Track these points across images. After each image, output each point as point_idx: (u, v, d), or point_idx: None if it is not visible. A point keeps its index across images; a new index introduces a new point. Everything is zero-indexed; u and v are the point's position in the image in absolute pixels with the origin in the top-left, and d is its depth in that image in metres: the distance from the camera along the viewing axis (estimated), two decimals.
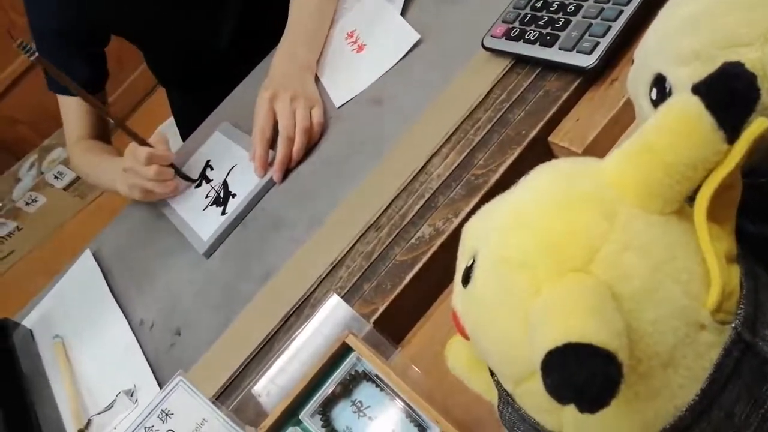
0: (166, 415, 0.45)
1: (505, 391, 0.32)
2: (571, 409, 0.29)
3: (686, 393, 0.27)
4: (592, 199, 0.28)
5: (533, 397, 0.30)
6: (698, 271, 0.27)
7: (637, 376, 0.27)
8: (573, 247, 0.27)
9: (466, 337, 0.32)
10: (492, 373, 0.34)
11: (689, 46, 0.31)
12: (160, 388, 0.60)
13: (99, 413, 0.68)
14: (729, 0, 0.31)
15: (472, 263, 0.30)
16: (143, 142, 0.82)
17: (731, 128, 0.25)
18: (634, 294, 0.26)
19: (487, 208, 0.32)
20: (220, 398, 0.58)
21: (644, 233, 0.27)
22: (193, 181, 0.85)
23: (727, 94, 0.26)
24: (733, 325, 0.27)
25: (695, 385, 0.27)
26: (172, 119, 1.33)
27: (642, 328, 0.26)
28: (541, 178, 0.30)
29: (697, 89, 0.26)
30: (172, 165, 0.83)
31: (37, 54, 0.71)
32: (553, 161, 0.32)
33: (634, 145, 0.28)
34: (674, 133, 0.26)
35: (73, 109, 1.01)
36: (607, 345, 0.22)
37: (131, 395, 0.68)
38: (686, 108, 0.26)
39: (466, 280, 0.31)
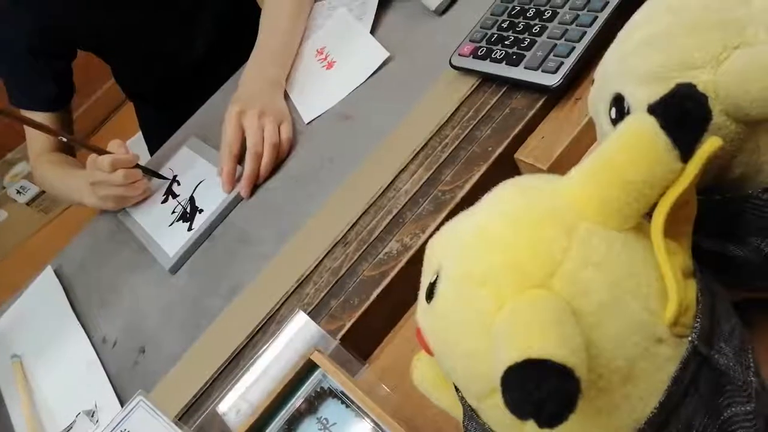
0: None
1: (470, 406, 0.32)
2: (532, 425, 0.29)
3: (645, 406, 0.27)
4: (553, 216, 0.28)
5: (496, 412, 0.30)
6: (656, 286, 0.27)
7: (597, 390, 0.27)
8: (534, 264, 0.27)
9: (431, 353, 0.32)
10: (457, 389, 0.34)
11: (645, 67, 0.32)
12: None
13: None
14: (683, 23, 0.32)
15: (436, 279, 0.30)
16: (102, 152, 0.81)
17: (685, 147, 0.26)
18: (593, 309, 0.26)
19: (451, 224, 0.32)
20: (183, 417, 0.56)
21: (603, 249, 0.27)
22: (163, 177, 0.85)
23: (680, 114, 0.27)
24: (689, 338, 0.28)
25: (654, 398, 0.27)
26: (140, 134, 1.31)
27: (602, 343, 0.26)
28: (503, 195, 0.31)
29: (653, 109, 0.27)
30: (137, 166, 0.82)
31: None
32: (516, 178, 0.32)
33: (593, 162, 0.28)
34: (631, 152, 0.27)
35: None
36: (566, 361, 0.23)
37: (92, 415, 0.66)
38: (642, 127, 0.27)
39: (430, 296, 0.31)
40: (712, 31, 0.31)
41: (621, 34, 0.36)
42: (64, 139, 0.86)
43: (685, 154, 0.26)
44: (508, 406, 0.23)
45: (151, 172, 0.85)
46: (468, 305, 0.28)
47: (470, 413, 0.33)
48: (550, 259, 0.27)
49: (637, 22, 0.35)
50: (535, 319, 0.25)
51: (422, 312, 0.32)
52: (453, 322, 0.29)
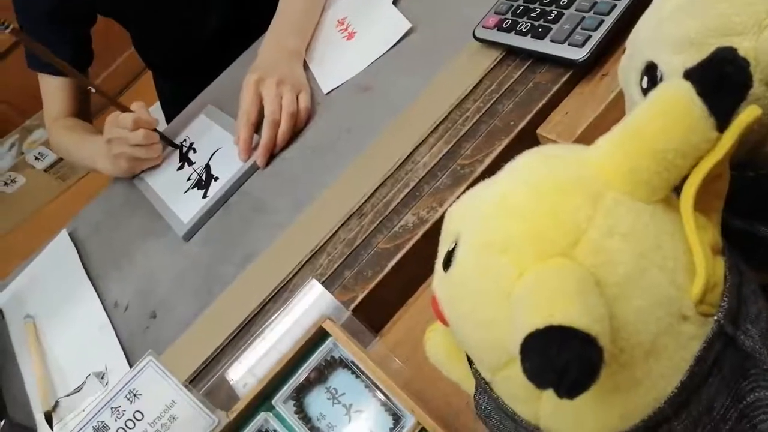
0: (134, 395, 0.44)
1: (483, 379, 0.32)
2: (548, 399, 0.28)
3: (666, 384, 0.27)
4: (578, 185, 0.27)
5: (511, 385, 0.30)
6: (683, 260, 0.26)
7: (618, 365, 0.26)
8: (557, 232, 0.26)
9: (446, 323, 0.31)
10: (470, 362, 0.33)
11: (682, 33, 0.31)
12: None
13: (67, 395, 0.66)
14: None
15: (454, 247, 0.30)
16: (125, 110, 0.81)
17: (722, 115, 0.25)
18: (618, 281, 0.25)
19: (471, 193, 0.31)
20: (192, 382, 0.56)
21: (630, 220, 0.26)
22: (177, 146, 0.85)
23: (719, 79, 0.25)
24: (715, 317, 0.27)
25: (676, 376, 0.26)
26: (158, 103, 1.31)
27: (625, 315, 0.25)
28: (527, 163, 0.30)
29: (689, 74, 0.25)
30: (155, 131, 0.82)
31: (12, 26, 0.68)
32: (539, 147, 0.31)
33: (623, 130, 0.27)
34: (664, 119, 0.25)
35: (53, 87, 0.99)
36: (589, 329, 0.22)
37: (102, 378, 0.66)
38: (677, 93, 0.25)
39: (447, 264, 0.30)
40: None
41: (656, 1, 0.34)
42: (93, 90, 0.86)
43: (722, 123, 0.25)
44: (527, 374, 0.22)
45: (165, 139, 0.84)
46: (487, 273, 0.27)
47: (483, 386, 0.32)
48: (573, 227, 0.26)
49: None
50: (557, 286, 0.24)
51: (439, 280, 0.31)
52: (471, 290, 0.28)
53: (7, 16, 0.72)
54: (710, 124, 0.25)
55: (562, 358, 0.21)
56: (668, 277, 0.26)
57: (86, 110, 1.04)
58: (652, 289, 0.26)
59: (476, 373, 0.33)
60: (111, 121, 0.82)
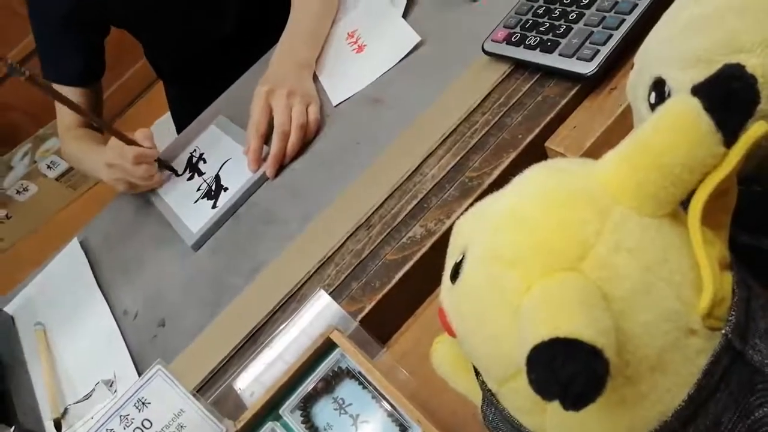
0: (143, 404, 0.44)
1: (490, 391, 0.32)
2: (554, 411, 0.28)
3: (673, 398, 0.27)
4: (585, 199, 0.27)
5: (517, 397, 0.30)
6: (690, 275, 0.26)
7: (624, 378, 0.26)
8: (565, 246, 0.26)
9: (453, 335, 0.32)
10: (477, 374, 0.33)
11: (691, 49, 0.31)
12: None
13: (76, 402, 0.67)
14: (732, 5, 0.31)
15: (461, 259, 0.30)
16: (130, 141, 0.82)
17: (729, 131, 0.25)
18: (624, 295, 0.26)
19: (479, 206, 0.32)
20: (200, 390, 0.57)
21: (637, 234, 0.26)
22: (178, 174, 0.85)
23: (726, 95, 0.25)
24: (723, 331, 0.27)
25: (683, 390, 0.26)
26: (169, 114, 1.32)
27: (631, 329, 0.25)
28: (535, 176, 0.30)
29: (697, 90, 0.26)
30: (157, 159, 0.83)
31: (28, 73, 0.70)
32: (548, 161, 0.31)
33: (630, 144, 0.27)
34: (671, 134, 0.25)
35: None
36: (595, 341, 0.22)
37: (110, 385, 0.67)
38: (685, 108, 0.25)
39: (455, 276, 0.30)
40: (764, 14, 0.30)
41: (665, 16, 0.35)
42: (93, 123, 0.87)
43: (729, 139, 0.25)
44: (533, 386, 0.22)
45: (167, 166, 0.85)
46: (495, 286, 0.28)
47: (490, 398, 0.32)
48: (581, 241, 0.26)
49: (684, 3, 0.33)
50: (564, 299, 0.24)
51: (446, 292, 0.31)
52: (478, 302, 0.28)
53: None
54: (717, 140, 0.25)
55: (568, 370, 0.21)
56: (675, 292, 0.26)
57: (100, 108, 1.05)
58: (658, 304, 0.26)
59: (483, 385, 0.33)
60: (113, 148, 0.83)
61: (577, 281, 0.25)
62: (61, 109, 1.02)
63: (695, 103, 0.25)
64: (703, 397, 0.27)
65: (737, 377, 0.28)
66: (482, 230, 0.30)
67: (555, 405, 0.28)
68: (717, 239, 0.28)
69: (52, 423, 0.66)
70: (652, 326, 0.26)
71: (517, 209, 0.28)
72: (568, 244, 0.26)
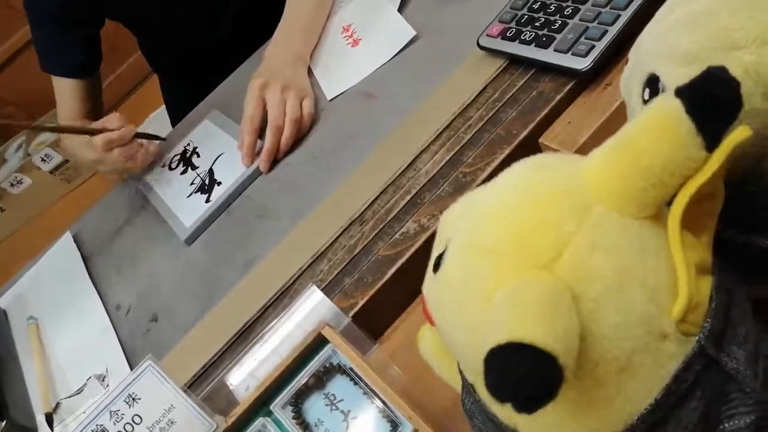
0: (133, 399, 0.44)
1: (467, 380, 0.32)
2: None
3: (640, 401, 0.26)
4: (567, 196, 0.27)
5: None
6: (667, 279, 0.26)
7: (592, 379, 0.26)
8: (540, 242, 0.26)
9: (433, 324, 0.32)
10: (458, 362, 0.34)
11: (683, 45, 0.31)
12: None
13: (68, 397, 0.67)
14: (726, 2, 0.30)
15: (444, 251, 0.30)
16: (95, 132, 0.81)
17: (711, 135, 0.24)
18: (596, 296, 0.25)
19: (465, 198, 0.32)
20: (192, 386, 0.57)
21: (614, 235, 0.26)
22: (162, 138, 0.86)
23: (708, 99, 0.25)
24: (697, 338, 0.27)
25: (651, 393, 0.26)
26: (164, 107, 1.32)
27: (601, 331, 0.25)
28: (520, 171, 0.30)
29: (680, 92, 0.25)
30: (136, 134, 0.82)
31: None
32: (538, 155, 0.31)
33: (614, 144, 0.27)
34: (652, 135, 0.25)
35: (67, 90, 1.00)
36: (550, 347, 0.22)
37: (102, 380, 0.67)
38: (666, 110, 0.25)
39: (437, 266, 0.30)
40: (757, 10, 0.29)
41: (660, 12, 0.34)
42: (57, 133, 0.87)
43: (710, 143, 0.24)
44: (486, 387, 0.23)
45: (146, 136, 0.85)
46: (469, 275, 0.28)
47: (468, 387, 0.33)
48: (556, 240, 0.26)
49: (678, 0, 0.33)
50: (527, 302, 0.24)
51: (428, 282, 0.32)
52: (454, 292, 0.29)
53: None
54: (698, 144, 0.24)
55: (517, 374, 0.22)
56: (648, 295, 0.26)
57: (99, 110, 1.04)
58: (630, 306, 0.26)
59: (462, 374, 0.34)
60: (86, 144, 0.82)
61: (546, 282, 0.25)
62: (60, 101, 1.01)
63: (677, 105, 0.25)
64: (671, 403, 0.27)
65: (710, 385, 0.27)
66: (464, 222, 0.30)
67: None
68: (698, 243, 0.28)
69: (44, 417, 0.66)
70: (623, 329, 0.26)
71: (497, 203, 0.29)
72: (544, 242, 0.26)
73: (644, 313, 0.26)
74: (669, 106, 0.25)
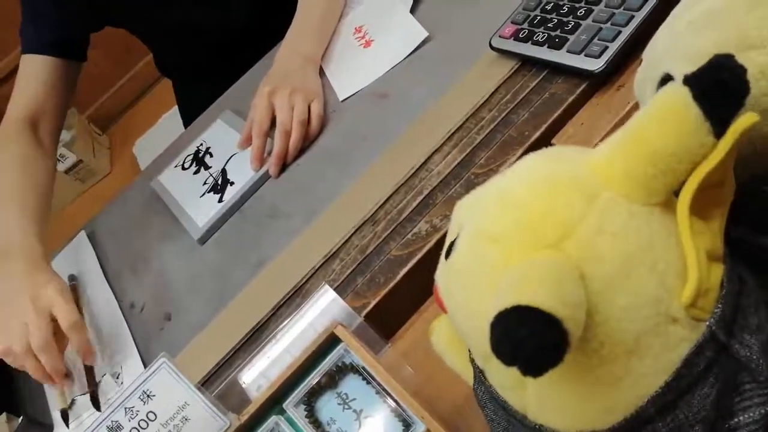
0: (148, 396, 0.44)
1: (478, 368, 0.33)
2: (533, 388, 0.29)
3: (650, 384, 0.27)
4: (575, 183, 0.28)
5: (500, 373, 0.31)
6: (676, 264, 0.27)
7: (598, 359, 0.26)
8: (548, 227, 0.27)
9: (445, 311, 0.32)
10: (470, 351, 0.34)
11: (699, 45, 0.31)
12: None
13: (83, 393, 0.67)
14: (742, 1, 0.30)
15: (456, 238, 0.30)
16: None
17: (718, 120, 0.25)
18: (604, 276, 0.26)
19: (479, 188, 0.32)
20: (205, 384, 0.57)
21: (622, 220, 0.27)
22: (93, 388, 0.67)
23: (715, 85, 0.25)
24: (707, 323, 0.27)
25: (660, 377, 0.27)
26: (176, 108, 1.33)
27: (609, 311, 0.26)
28: (531, 161, 0.31)
29: (687, 79, 0.26)
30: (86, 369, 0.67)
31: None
32: (548, 148, 0.32)
33: (622, 132, 0.28)
34: (661, 122, 0.26)
35: (32, 72, 0.87)
36: (554, 311, 0.23)
37: (117, 377, 0.67)
38: (674, 97, 0.25)
39: (449, 253, 0.31)
40: None
41: (674, 13, 0.34)
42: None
43: (718, 129, 0.25)
44: (492, 350, 0.23)
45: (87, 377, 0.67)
46: (479, 262, 0.28)
47: (479, 375, 0.33)
48: (565, 222, 0.27)
49: (692, 0, 0.33)
50: (535, 273, 0.25)
51: (440, 270, 0.32)
52: (465, 278, 0.29)
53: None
54: (706, 130, 0.25)
55: (521, 334, 0.22)
56: (657, 279, 0.26)
57: (63, 106, 0.92)
58: (638, 289, 0.26)
59: (473, 363, 0.34)
60: (45, 294, 0.65)
61: (553, 258, 0.26)
62: (19, 85, 0.88)
63: (684, 92, 0.25)
64: (682, 387, 0.27)
65: (723, 373, 0.28)
66: (476, 210, 0.30)
67: (534, 382, 0.28)
68: (708, 230, 0.28)
69: (59, 413, 0.66)
70: (631, 310, 0.26)
71: (507, 190, 0.29)
72: (552, 225, 0.27)
73: (653, 296, 0.26)
74: (677, 94, 0.25)
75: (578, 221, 0.26)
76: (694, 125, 0.25)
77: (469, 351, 0.34)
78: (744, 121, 0.25)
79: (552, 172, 0.29)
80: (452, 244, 0.31)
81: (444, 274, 0.31)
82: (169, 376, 0.44)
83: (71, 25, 0.91)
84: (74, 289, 0.80)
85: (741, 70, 0.25)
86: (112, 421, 0.44)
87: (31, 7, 0.91)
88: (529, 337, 0.22)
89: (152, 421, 0.44)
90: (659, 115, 0.26)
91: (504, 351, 0.23)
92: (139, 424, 0.44)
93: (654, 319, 0.26)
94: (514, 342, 0.22)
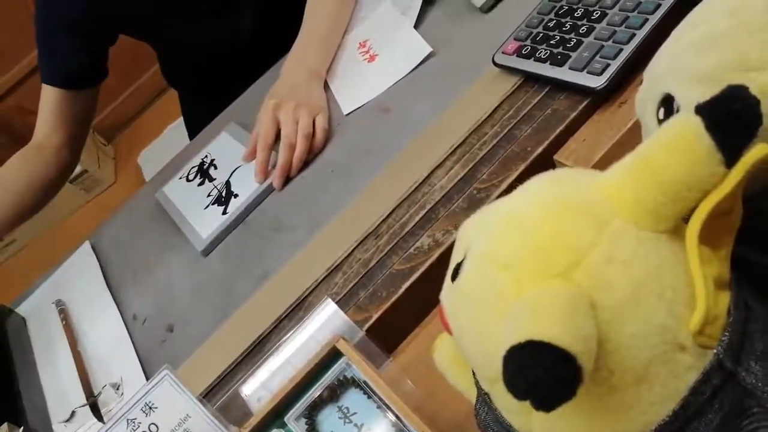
0: (150, 408, 0.44)
1: (483, 390, 0.33)
2: (539, 414, 0.29)
3: (657, 412, 0.27)
4: (585, 209, 0.28)
5: (506, 397, 0.30)
6: (684, 292, 0.27)
7: (608, 387, 0.27)
8: (558, 253, 0.27)
9: (450, 333, 0.32)
10: (474, 372, 0.34)
11: (699, 66, 0.31)
12: None
13: (83, 405, 0.67)
14: (743, 23, 0.31)
15: (463, 260, 0.30)
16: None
17: (730, 151, 0.25)
18: (613, 305, 0.26)
19: (485, 208, 0.32)
20: (206, 396, 0.57)
21: (632, 247, 0.27)
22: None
23: (728, 116, 0.26)
24: (715, 351, 0.27)
25: (668, 405, 0.27)
26: (181, 119, 1.34)
27: (618, 340, 0.26)
28: (539, 184, 0.31)
29: (700, 109, 0.26)
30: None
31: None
32: (555, 170, 0.32)
33: (633, 159, 0.28)
34: (672, 151, 0.26)
35: (49, 100, 0.93)
36: (569, 347, 0.23)
37: (117, 388, 0.67)
38: (687, 126, 0.26)
39: (455, 275, 0.31)
40: None
41: (675, 33, 0.35)
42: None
43: (729, 159, 0.25)
44: (505, 383, 0.23)
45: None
46: (488, 286, 0.28)
47: (483, 397, 0.33)
48: (575, 250, 0.27)
49: (694, 21, 0.33)
50: (548, 305, 0.25)
51: (446, 291, 0.32)
52: (472, 302, 0.29)
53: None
54: (717, 160, 0.25)
55: (536, 372, 0.22)
56: (666, 307, 0.26)
57: (80, 133, 0.99)
58: (647, 317, 0.26)
59: (477, 384, 0.34)
60: None
61: (565, 289, 0.26)
62: (40, 111, 0.94)
63: (697, 122, 0.25)
64: (689, 415, 0.27)
65: (729, 400, 0.28)
66: (483, 232, 0.30)
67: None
68: (716, 258, 0.28)
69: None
70: (640, 338, 0.26)
71: (516, 214, 0.29)
72: (562, 252, 0.27)
73: (661, 324, 0.26)
74: (689, 123, 0.25)
75: (588, 248, 0.26)
76: (705, 155, 0.25)
77: (473, 372, 0.34)
78: (756, 152, 0.25)
79: (561, 195, 0.29)
80: (459, 265, 0.31)
81: (450, 296, 0.31)
82: (171, 388, 0.44)
83: (83, 52, 0.94)
84: (63, 312, 0.80)
85: (754, 101, 0.25)
86: None
87: (43, 40, 0.94)
88: (544, 375, 0.22)
89: None
90: (671, 144, 0.26)
91: (518, 388, 0.23)
92: None
93: (662, 347, 0.26)
94: (528, 379, 0.22)
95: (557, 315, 0.24)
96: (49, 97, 0.94)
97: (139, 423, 0.44)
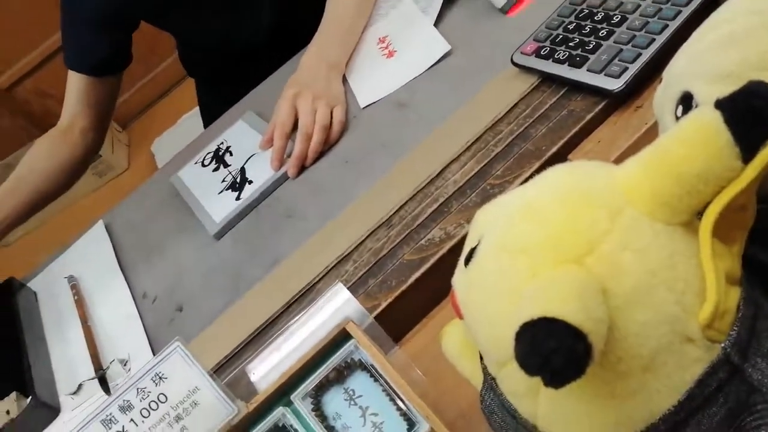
0: (160, 378, 0.45)
1: (490, 375, 0.33)
2: (545, 397, 0.30)
3: (662, 401, 0.27)
4: (600, 199, 0.28)
5: (513, 381, 0.31)
6: (696, 285, 0.27)
7: (615, 373, 0.27)
8: (573, 241, 0.27)
9: (461, 317, 0.33)
10: (481, 358, 0.35)
11: (721, 64, 0.32)
12: None
13: (91, 378, 0.68)
14: (764, 22, 0.31)
15: (477, 245, 0.31)
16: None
17: (748, 146, 0.25)
18: (624, 292, 0.26)
19: (500, 197, 0.33)
20: (215, 373, 0.58)
21: (646, 238, 0.27)
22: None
23: (747, 111, 0.26)
24: (722, 345, 0.27)
25: (673, 395, 0.27)
26: (197, 109, 1.35)
27: (628, 327, 0.26)
28: (555, 173, 0.31)
29: (719, 104, 0.26)
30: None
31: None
32: (571, 162, 0.32)
33: (650, 151, 0.28)
34: (689, 144, 0.26)
35: (75, 86, 0.96)
36: (580, 325, 0.23)
37: (125, 364, 0.68)
38: (705, 120, 0.26)
39: (469, 260, 0.31)
40: None
41: (696, 33, 0.35)
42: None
43: (747, 155, 0.25)
44: (517, 358, 0.24)
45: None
46: (502, 272, 0.29)
47: (490, 383, 0.34)
48: (589, 238, 0.27)
49: (716, 21, 0.34)
50: (560, 286, 0.25)
51: (458, 275, 0.33)
52: (486, 286, 0.30)
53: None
54: (735, 154, 0.25)
55: (548, 346, 0.23)
56: (676, 298, 0.27)
57: (105, 117, 1.02)
58: (657, 306, 0.26)
59: (485, 369, 0.35)
60: None
61: (578, 273, 0.26)
62: (66, 97, 0.97)
63: (716, 116, 0.26)
64: (694, 407, 0.27)
65: (735, 394, 0.28)
66: (499, 220, 0.31)
67: (546, 391, 0.29)
68: (728, 253, 0.28)
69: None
70: (649, 327, 0.26)
71: (532, 202, 0.30)
72: (577, 239, 0.27)
73: (671, 314, 0.26)
74: (708, 117, 0.26)
75: (602, 236, 0.27)
76: (723, 149, 0.25)
77: (481, 357, 0.34)
78: None
79: (578, 185, 0.29)
80: (472, 251, 0.31)
81: (463, 280, 0.32)
82: (182, 360, 0.45)
83: (108, 40, 0.96)
84: (74, 288, 0.81)
85: None
86: (123, 401, 0.45)
87: (68, 28, 0.96)
88: (557, 350, 0.23)
89: (162, 402, 0.45)
90: (689, 137, 0.26)
91: (531, 362, 0.23)
92: (149, 405, 0.45)
93: (670, 337, 0.26)
94: (541, 353, 0.23)
95: (570, 295, 0.25)
96: (74, 83, 0.97)
97: (149, 392, 0.45)
